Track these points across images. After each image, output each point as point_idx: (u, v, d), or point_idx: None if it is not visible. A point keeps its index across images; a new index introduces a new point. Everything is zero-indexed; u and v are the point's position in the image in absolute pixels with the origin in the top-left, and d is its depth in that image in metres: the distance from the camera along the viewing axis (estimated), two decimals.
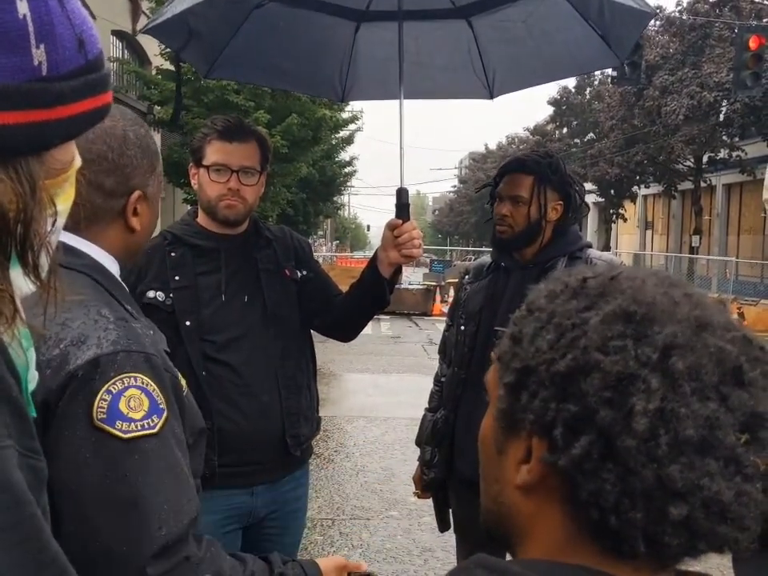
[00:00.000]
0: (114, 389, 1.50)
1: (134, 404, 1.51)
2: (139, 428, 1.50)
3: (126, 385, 1.52)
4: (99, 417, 1.47)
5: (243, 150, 2.94)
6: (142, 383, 1.54)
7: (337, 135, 29.45)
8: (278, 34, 3.66)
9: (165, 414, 1.56)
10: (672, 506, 0.82)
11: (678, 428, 0.81)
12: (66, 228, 1.58)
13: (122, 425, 1.48)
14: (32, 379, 1.03)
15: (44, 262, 0.95)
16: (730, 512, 0.82)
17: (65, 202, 1.03)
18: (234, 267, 2.98)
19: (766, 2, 30.61)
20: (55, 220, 0.98)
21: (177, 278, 2.88)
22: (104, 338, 1.55)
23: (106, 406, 1.48)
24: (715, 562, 4.86)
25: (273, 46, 3.73)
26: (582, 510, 0.88)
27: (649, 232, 49.60)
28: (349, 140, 33.01)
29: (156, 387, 1.57)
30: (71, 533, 1.43)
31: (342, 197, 52.57)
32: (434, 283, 27.40)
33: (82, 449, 1.46)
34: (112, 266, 1.77)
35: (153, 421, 1.53)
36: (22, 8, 0.84)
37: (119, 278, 1.79)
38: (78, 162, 1.04)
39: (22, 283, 0.92)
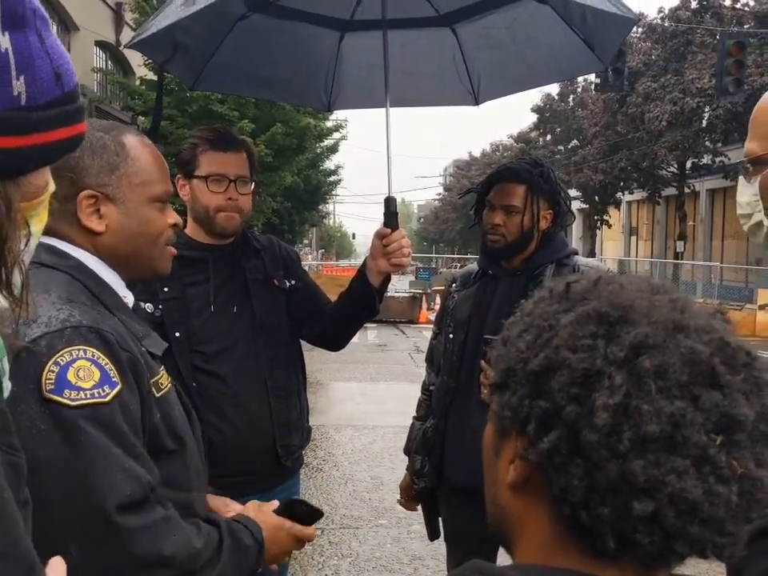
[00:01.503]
0: (62, 360, 1.54)
1: (83, 374, 1.55)
2: (88, 396, 1.54)
3: (75, 357, 1.55)
4: (48, 389, 1.52)
5: (237, 159, 2.94)
6: (92, 356, 1.58)
7: (321, 144, 29.45)
8: (262, 45, 3.66)
9: (119, 387, 1.59)
10: (636, 502, 0.83)
11: (641, 424, 0.82)
12: (50, 233, 1.66)
13: (69, 393, 1.53)
14: (6, 388, 1.08)
15: (17, 279, 1.00)
16: (702, 512, 0.83)
17: (39, 223, 1.10)
18: (223, 277, 2.97)
19: (746, 9, 30.78)
20: (28, 240, 1.03)
21: (165, 289, 2.87)
22: (54, 317, 1.59)
23: (53, 378, 1.52)
24: (705, 567, 4.87)
25: (258, 57, 3.74)
26: (558, 507, 0.90)
27: (633, 238, 49.74)
28: (333, 148, 32.99)
29: (108, 361, 1.60)
30: (35, 507, 1.47)
31: (327, 205, 52.49)
32: (420, 291, 27.40)
33: (36, 422, 1.50)
34: (102, 269, 1.80)
35: (104, 390, 1.57)
36: (4, 42, 0.90)
37: (112, 283, 1.81)
38: (51, 186, 1.11)
39: None
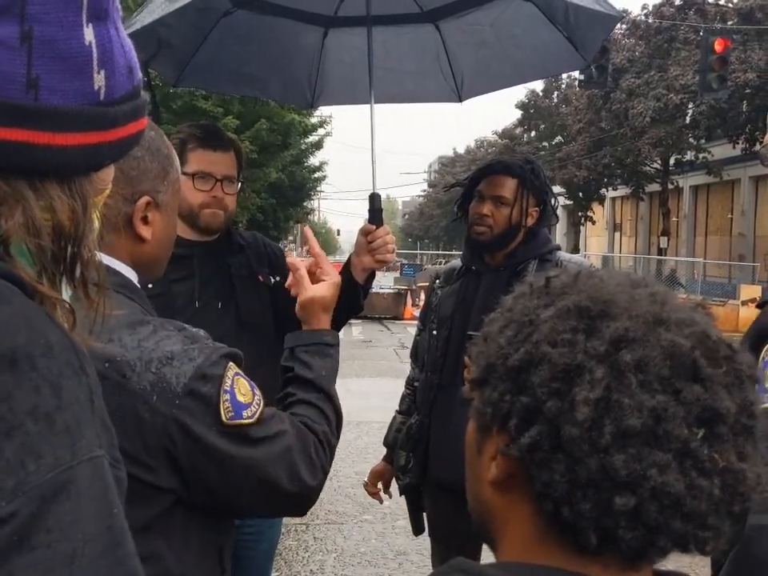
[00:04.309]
0: (227, 386, 1.58)
1: (243, 390, 1.61)
2: (255, 406, 1.61)
3: (231, 378, 1.59)
4: (228, 416, 1.56)
5: (225, 158, 2.94)
6: (235, 370, 1.63)
7: (306, 140, 29.42)
8: (246, 41, 3.66)
9: (254, 385, 1.67)
10: (618, 496, 0.82)
11: (622, 418, 0.82)
12: None
13: (247, 412, 1.59)
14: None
15: (94, 277, 0.99)
16: (684, 506, 0.82)
17: (97, 219, 1.08)
18: (208, 274, 2.96)
19: (730, 5, 30.90)
20: (102, 236, 1.04)
21: (150, 285, 2.85)
22: (187, 349, 1.60)
23: (229, 405, 1.56)
24: (687, 560, 4.90)
25: (241, 54, 3.73)
26: (540, 503, 0.89)
27: (617, 234, 49.90)
28: (318, 145, 32.96)
29: (237, 368, 1.66)
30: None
31: (311, 202, 52.39)
32: (405, 287, 27.43)
33: (229, 449, 1.57)
34: (133, 277, 1.77)
35: (257, 394, 1.64)
36: (89, 35, 0.89)
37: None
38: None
39: (66, 298, 0.96)
